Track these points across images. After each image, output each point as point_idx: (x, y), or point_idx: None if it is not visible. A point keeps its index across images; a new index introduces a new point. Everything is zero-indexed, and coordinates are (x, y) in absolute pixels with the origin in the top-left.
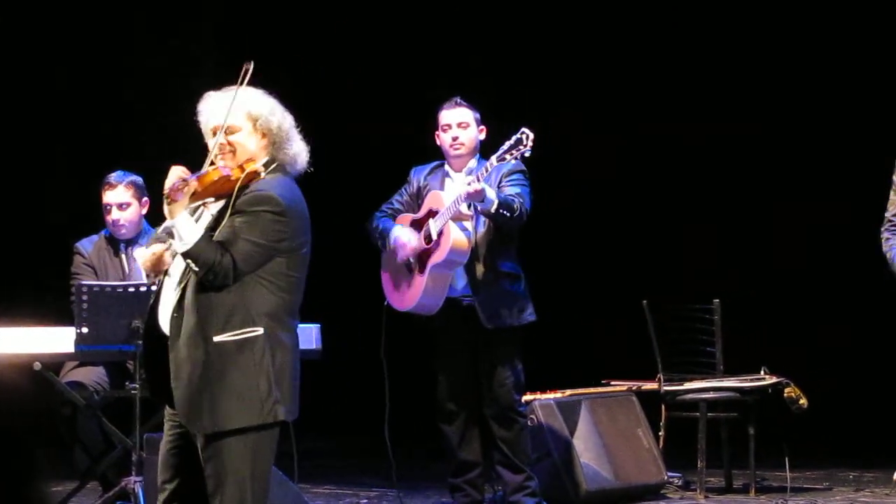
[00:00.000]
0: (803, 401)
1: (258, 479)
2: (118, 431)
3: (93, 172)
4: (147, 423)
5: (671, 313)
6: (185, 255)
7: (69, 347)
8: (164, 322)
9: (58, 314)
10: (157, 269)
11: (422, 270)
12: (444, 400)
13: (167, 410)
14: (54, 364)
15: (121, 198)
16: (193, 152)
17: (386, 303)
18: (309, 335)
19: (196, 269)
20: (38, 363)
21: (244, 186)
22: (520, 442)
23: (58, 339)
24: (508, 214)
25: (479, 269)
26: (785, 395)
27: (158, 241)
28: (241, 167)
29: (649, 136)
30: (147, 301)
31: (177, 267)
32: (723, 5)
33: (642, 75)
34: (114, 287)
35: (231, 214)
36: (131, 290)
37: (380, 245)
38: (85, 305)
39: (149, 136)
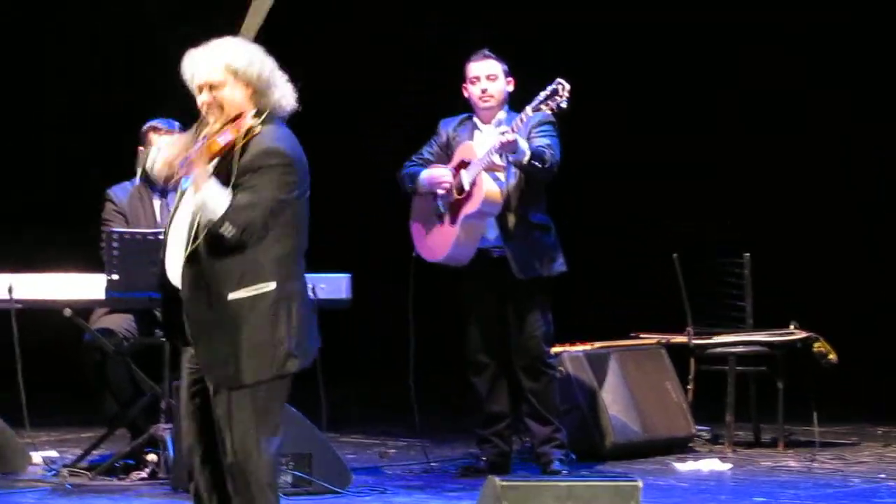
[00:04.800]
0: (833, 356)
1: (268, 431)
2: (147, 378)
3: (124, 125)
4: (176, 371)
5: (701, 266)
6: (219, 222)
7: (99, 294)
8: (174, 275)
9: (87, 261)
10: (174, 171)
11: (454, 221)
12: (473, 352)
13: (185, 356)
14: (84, 311)
15: None
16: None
17: (415, 253)
18: (339, 285)
19: (231, 232)
20: (68, 309)
21: (244, 144)
22: (548, 394)
23: (88, 286)
24: (540, 165)
25: (511, 219)
26: (814, 349)
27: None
28: (237, 128)
29: (680, 88)
30: None
31: (182, 220)
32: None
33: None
34: (144, 234)
35: (241, 173)
36: (161, 237)
37: (409, 189)
38: (116, 252)
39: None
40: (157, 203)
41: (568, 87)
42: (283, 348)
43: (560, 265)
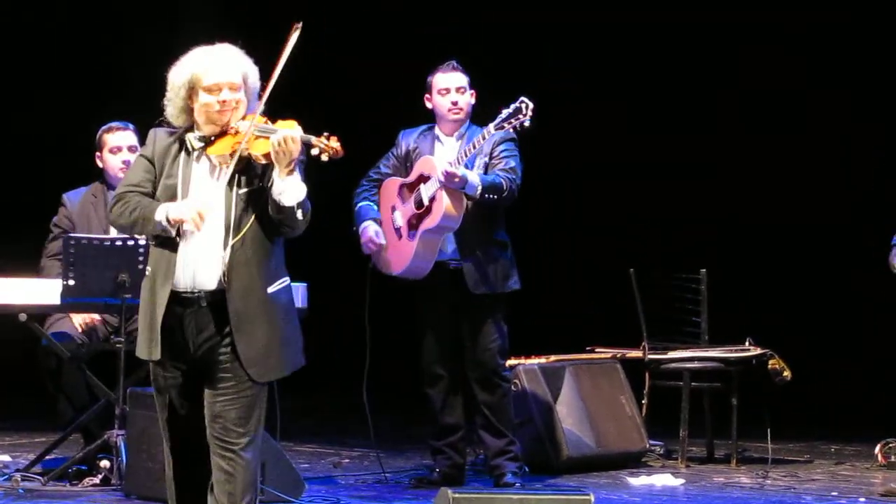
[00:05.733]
0: (787, 373)
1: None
2: (101, 384)
3: (80, 125)
4: (130, 377)
5: (658, 282)
6: (298, 205)
7: (55, 299)
8: (203, 277)
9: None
10: (194, 226)
11: (412, 236)
12: (428, 363)
13: (163, 370)
14: (40, 316)
15: (131, 140)
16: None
17: (371, 265)
18: (296, 294)
19: (300, 218)
20: (23, 314)
21: None
22: (503, 407)
23: (44, 291)
24: (496, 197)
25: (471, 234)
26: (769, 366)
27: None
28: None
29: (634, 101)
30: (134, 254)
31: (208, 225)
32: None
33: (619, 38)
34: (101, 240)
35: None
36: (118, 243)
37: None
38: (72, 258)
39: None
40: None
41: (532, 105)
42: (301, 342)
43: (515, 283)
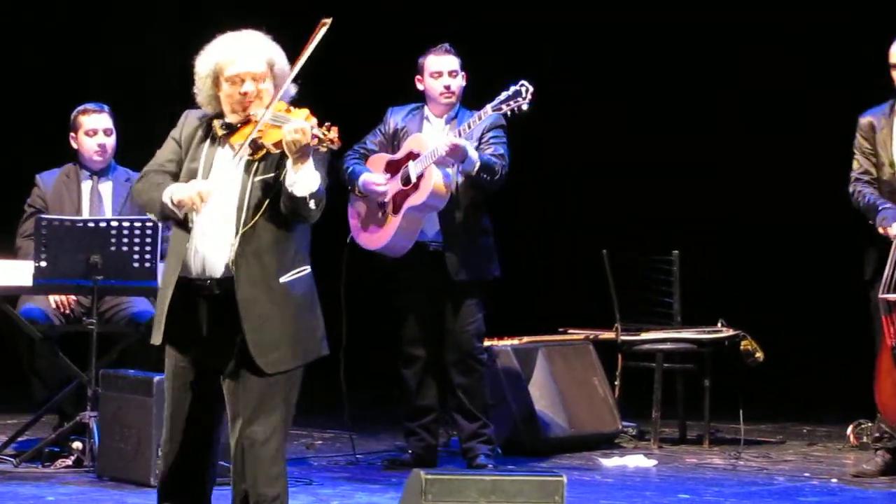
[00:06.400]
0: (759, 354)
1: (290, 418)
2: (73, 365)
3: (58, 106)
4: (103, 359)
5: (630, 263)
6: (311, 196)
7: (27, 280)
8: (212, 264)
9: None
10: (193, 209)
11: (396, 211)
12: (405, 344)
13: (175, 357)
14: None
15: (106, 123)
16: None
17: (349, 239)
18: None
19: (313, 208)
20: None
21: None
22: (478, 390)
23: (16, 272)
24: (488, 178)
25: (455, 218)
26: (741, 347)
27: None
28: (288, 109)
29: (634, 101)
30: (106, 236)
31: (220, 210)
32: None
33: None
34: (73, 221)
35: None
36: (91, 224)
37: (349, 188)
38: (44, 239)
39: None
40: (86, 186)
41: (532, 89)
42: (321, 331)
43: (495, 269)
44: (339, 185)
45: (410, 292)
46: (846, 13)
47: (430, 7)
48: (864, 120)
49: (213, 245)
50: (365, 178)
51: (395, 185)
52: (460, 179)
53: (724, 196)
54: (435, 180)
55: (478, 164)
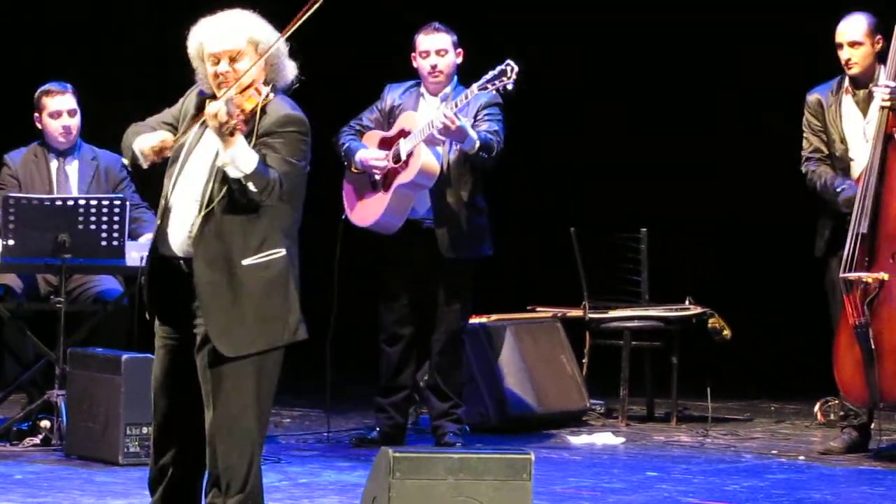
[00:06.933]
0: (727, 332)
1: (265, 399)
2: (41, 344)
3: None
4: (71, 337)
5: (598, 241)
6: (247, 178)
7: None
8: (178, 242)
9: None
10: (158, 158)
11: (386, 189)
12: (390, 322)
13: (159, 330)
14: None
15: (70, 104)
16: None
17: (344, 216)
18: None
19: (254, 190)
20: None
21: (263, 108)
22: (455, 371)
23: None
24: (486, 156)
25: (446, 196)
26: (709, 325)
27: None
28: (258, 91)
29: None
30: (74, 214)
31: (191, 184)
32: None
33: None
34: (41, 200)
35: (259, 136)
36: (59, 203)
37: (345, 164)
38: (12, 218)
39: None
40: (53, 166)
41: (517, 69)
42: (296, 315)
43: (487, 248)
44: (336, 163)
45: (399, 269)
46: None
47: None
48: (812, 97)
49: (180, 224)
50: (362, 154)
51: (389, 163)
52: (452, 157)
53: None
54: (424, 159)
55: (477, 144)
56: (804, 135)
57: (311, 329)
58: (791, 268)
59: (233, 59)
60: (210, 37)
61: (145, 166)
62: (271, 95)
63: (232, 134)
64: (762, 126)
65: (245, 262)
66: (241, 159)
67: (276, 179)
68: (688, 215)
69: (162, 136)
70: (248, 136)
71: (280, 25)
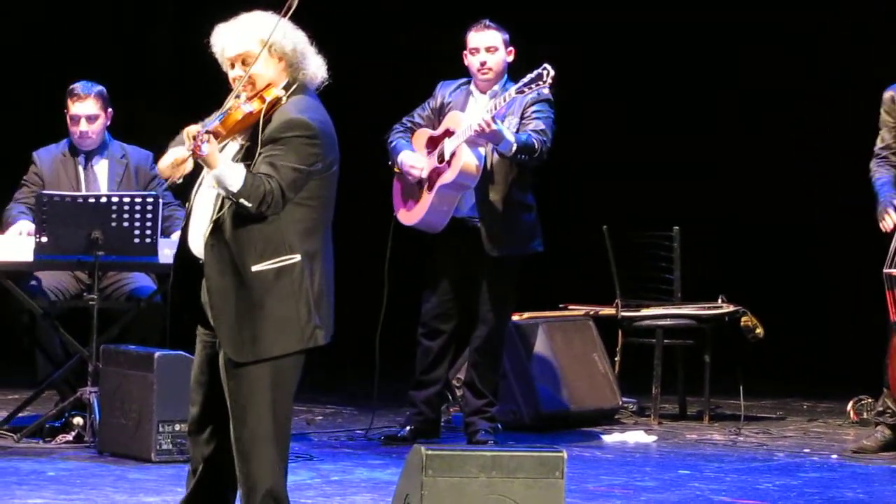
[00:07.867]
0: (760, 330)
1: (281, 405)
2: (74, 341)
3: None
4: (103, 334)
5: (631, 239)
6: (237, 196)
7: (28, 256)
8: (196, 246)
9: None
10: (177, 173)
11: (430, 188)
12: (431, 317)
13: (199, 330)
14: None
15: (89, 110)
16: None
17: (395, 216)
18: None
19: (249, 205)
20: None
21: (269, 114)
22: (491, 370)
23: (17, 248)
24: (527, 157)
25: (491, 194)
26: (741, 323)
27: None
28: (261, 97)
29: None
30: (107, 212)
31: (208, 191)
32: None
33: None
34: (74, 197)
35: (263, 143)
36: (91, 200)
37: (390, 165)
38: (45, 215)
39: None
40: (81, 166)
41: (553, 73)
42: (312, 321)
43: (536, 245)
44: (387, 161)
45: (443, 266)
46: (846, 13)
47: (430, 8)
48: (888, 94)
49: (198, 228)
50: (403, 157)
51: (432, 162)
52: (495, 157)
53: (724, 196)
54: (465, 159)
55: (515, 147)
56: (880, 132)
57: (358, 327)
58: (823, 267)
59: (244, 63)
60: (223, 41)
61: (176, 181)
62: (285, 99)
63: (202, 158)
64: (762, 126)
65: (255, 268)
66: (228, 180)
67: (274, 190)
68: (714, 215)
69: (174, 154)
70: (252, 144)
71: (297, 23)
